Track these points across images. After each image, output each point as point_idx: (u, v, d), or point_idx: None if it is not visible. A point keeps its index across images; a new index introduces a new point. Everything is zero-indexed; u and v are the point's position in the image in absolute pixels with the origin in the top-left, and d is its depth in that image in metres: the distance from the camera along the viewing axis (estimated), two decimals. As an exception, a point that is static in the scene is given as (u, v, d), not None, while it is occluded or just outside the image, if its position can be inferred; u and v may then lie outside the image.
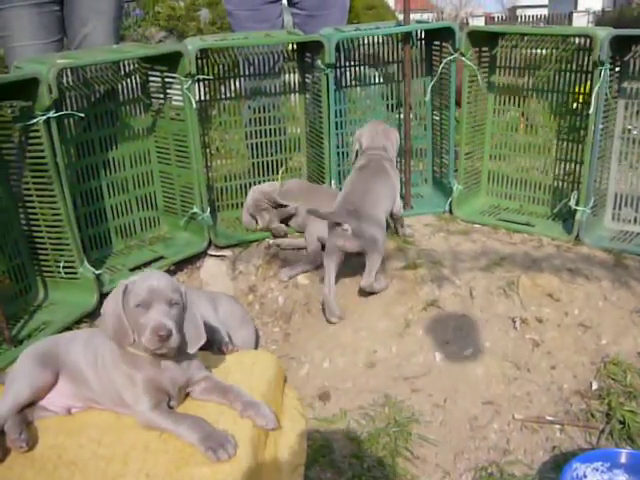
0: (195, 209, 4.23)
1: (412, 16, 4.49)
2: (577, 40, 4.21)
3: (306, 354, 3.38)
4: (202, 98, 4.45)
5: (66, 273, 3.76)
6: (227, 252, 4.33)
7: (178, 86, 4.04)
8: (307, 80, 4.67)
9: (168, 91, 4.16)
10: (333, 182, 4.55)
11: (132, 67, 4.19)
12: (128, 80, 4.20)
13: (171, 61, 4.01)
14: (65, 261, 3.74)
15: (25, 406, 2.47)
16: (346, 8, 5.21)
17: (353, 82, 4.82)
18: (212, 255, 4.33)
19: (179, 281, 4.11)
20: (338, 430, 2.83)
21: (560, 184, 4.54)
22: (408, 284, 3.70)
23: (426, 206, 4.79)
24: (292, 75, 4.73)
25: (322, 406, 3.01)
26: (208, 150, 4.59)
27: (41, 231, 3.72)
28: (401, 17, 4.49)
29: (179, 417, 2.38)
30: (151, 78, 4.24)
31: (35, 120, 3.35)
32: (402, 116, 4.68)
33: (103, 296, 3.81)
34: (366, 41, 4.70)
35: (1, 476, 2.26)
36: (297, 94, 4.77)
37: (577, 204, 4.12)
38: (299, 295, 3.92)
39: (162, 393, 2.41)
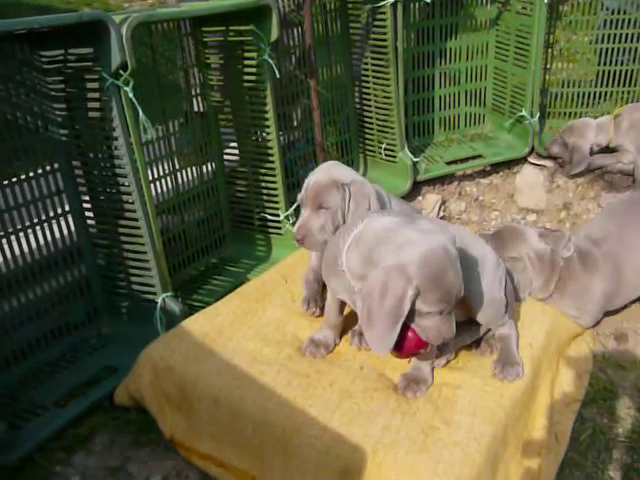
0: (523, 112, 4.02)
1: None
2: None
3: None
4: (555, -8, 4.10)
5: (386, 155, 3.93)
6: (548, 162, 4.09)
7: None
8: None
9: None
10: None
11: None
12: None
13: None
14: (387, 144, 3.89)
15: None
16: None
17: None
18: (532, 163, 4.13)
19: (492, 184, 4.05)
20: (628, 377, 2.60)
21: None
22: None
23: None
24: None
25: (616, 347, 2.78)
26: (550, 50, 4.25)
27: (371, 111, 3.89)
28: None
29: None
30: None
31: (383, 2, 3.41)
32: None
33: (416, 184, 3.92)
34: None
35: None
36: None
37: None
38: (618, 224, 3.57)
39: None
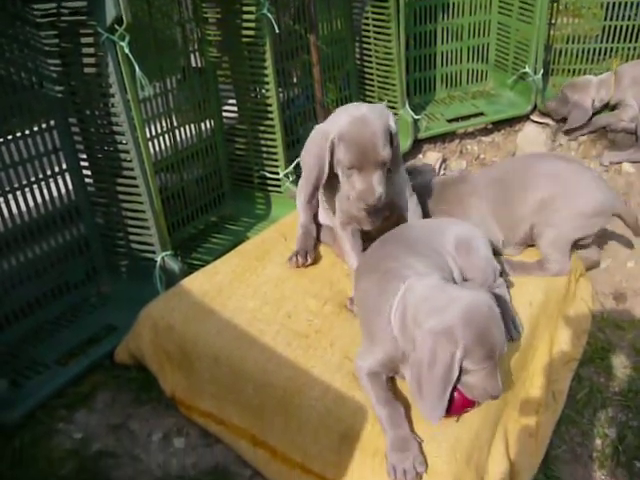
0: (527, 69, 3.96)
1: None
2: None
3: (609, 248, 3.10)
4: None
5: (387, 112, 3.88)
6: (551, 121, 4.04)
7: None
8: None
9: None
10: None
11: None
12: None
13: None
14: (388, 101, 3.83)
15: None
16: None
17: None
18: (534, 121, 4.08)
19: (494, 142, 4.02)
20: (625, 337, 2.61)
21: None
22: None
23: None
24: None
25: (614, 307, 2.79)
26: (556, 5, 4.16)
27: (371, 68, 3.83)
28: None
29: (387, 400, 1.91)
30: None
31: (385, -47, 3.33)
32: None
33: (417, 142, 3.89)
34: None
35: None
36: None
37: None
38: (619, 183, 3.55)
39: None
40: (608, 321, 2.69)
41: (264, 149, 3.20)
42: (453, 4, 4.05)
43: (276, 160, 3.18)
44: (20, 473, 2.05)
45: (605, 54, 4.22)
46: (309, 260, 2.50)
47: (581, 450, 2.20)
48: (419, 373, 1.76)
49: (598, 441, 2.23)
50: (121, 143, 2.47)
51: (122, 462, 2.11)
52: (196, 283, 2.42)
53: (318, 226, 2.64)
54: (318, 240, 2.64)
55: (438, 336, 1.74)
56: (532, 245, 2.62)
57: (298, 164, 3.21)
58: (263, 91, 3.06)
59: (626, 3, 4.05)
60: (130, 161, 2.48)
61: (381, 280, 2.04)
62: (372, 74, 3.84)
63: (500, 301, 2.29)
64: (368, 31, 3.70)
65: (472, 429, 1.86)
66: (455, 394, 1.81)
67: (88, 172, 2.67)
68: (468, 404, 1.84)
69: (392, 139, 2.18)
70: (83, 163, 2.65)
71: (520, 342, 2.22)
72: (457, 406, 1.83)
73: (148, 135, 2.80)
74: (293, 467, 2.00)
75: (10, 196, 2.43)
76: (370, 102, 3.91)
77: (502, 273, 2.37)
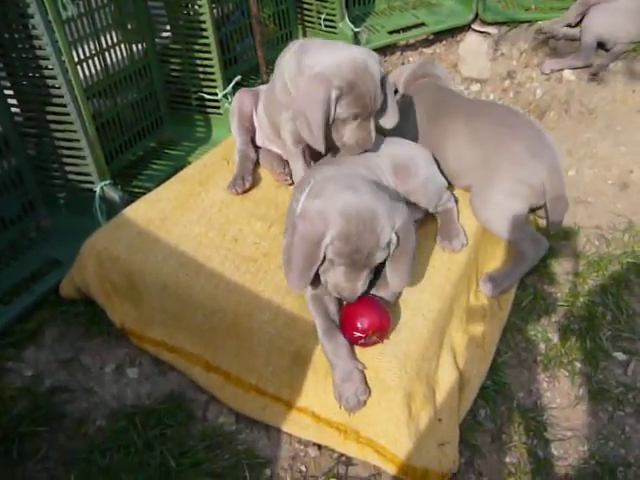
0: (468, -25, 3.88)
1: None
2: None
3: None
4: None
5: (326, 26, 3.77)
6: (492, 29, 3.99)
7: None
8: None
9: None
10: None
11: None
12: None
13: None
14: (327, 14, 3.73)
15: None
16: None
17: None
18: (475, 30, 4.02)
19: (435, 53, 3.96)
20: (567, 244, 2.68)
21: None
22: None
23: None
24: None
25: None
26: None
27: (309, -21, 3.69)
28: None
29: (330, 331, 1.89)
30: None
31: None
32: None
33: (358, 56, 3.80)
34: None
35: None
36: None
37: None
38: (561, 91, 3.56)
39: None
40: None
41: (200, 69, 3.08)
42: None
43: (213, 80, 3.07)
44: (-29, 414, 2.02)
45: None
46: (247, 185, 2.45)
47: (526, 355, 2.29)
48: (290, 241, 1.80)
49: (542, 345, 2.32)
50: (47, 68, 2.33)
51: (76, 396, 2.10)
52: (139, 212, 2.35)
53: (256, 149, 2.58)
54: (258, 163, 2.58)
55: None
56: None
57: (237, 84, 3.11)
58: (196, 7, 2.92)
59: None
60: (59, 87, 2.35)
61: (293, 195, 2.08)
62: (310, -15, 3.69)
63: (448, 215, 2.31)
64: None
65: (420, 343, 1.90)
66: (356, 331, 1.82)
67: (14, 101, 2.52)
68: (374, 323, 1.83)
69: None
70: (7, 91, 2.50)
71: (466, 255, 2.25)
72: (351, 325, 1.83)
73: (76, 59, 2.64)
74: (248, 390, 2.03)
75: None
76: (308, 16, 3.79)
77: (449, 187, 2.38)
